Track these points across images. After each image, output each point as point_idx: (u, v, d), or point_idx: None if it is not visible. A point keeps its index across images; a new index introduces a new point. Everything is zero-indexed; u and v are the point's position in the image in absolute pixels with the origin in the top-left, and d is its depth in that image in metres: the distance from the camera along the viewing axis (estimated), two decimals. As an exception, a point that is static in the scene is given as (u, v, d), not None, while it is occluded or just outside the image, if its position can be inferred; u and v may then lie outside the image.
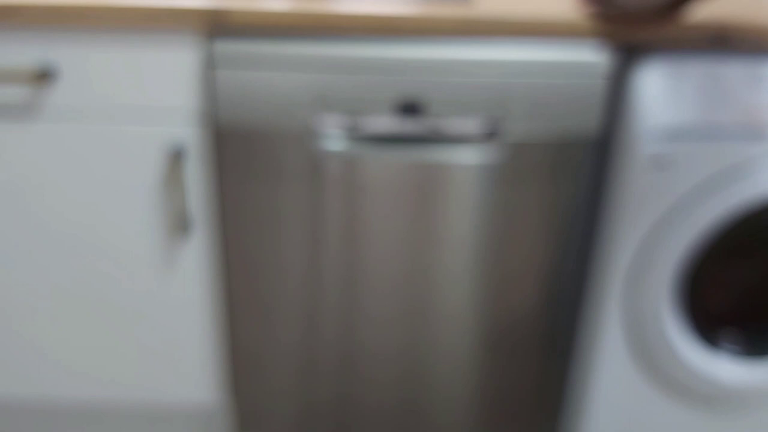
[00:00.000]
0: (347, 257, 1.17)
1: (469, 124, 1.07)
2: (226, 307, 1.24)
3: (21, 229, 1.17)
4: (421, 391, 1.31)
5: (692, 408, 1.29)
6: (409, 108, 1.06)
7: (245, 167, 1.10)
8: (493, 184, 1.12)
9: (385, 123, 1.07)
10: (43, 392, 1.33)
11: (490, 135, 1.08)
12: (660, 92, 1.03)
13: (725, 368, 1.23)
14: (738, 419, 1.31)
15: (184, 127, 1.10)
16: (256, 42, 1.02)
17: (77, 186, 1.14)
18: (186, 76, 1.06)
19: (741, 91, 1.03)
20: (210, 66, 1.04)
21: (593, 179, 1.14)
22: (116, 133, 1.10)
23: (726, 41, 1.01)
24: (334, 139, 1.09)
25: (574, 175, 1.12)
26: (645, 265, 1.14)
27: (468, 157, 1.10)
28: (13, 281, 1.21)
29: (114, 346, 1.28)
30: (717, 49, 1.02)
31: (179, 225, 1.14)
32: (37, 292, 1.23)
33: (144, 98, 1.07)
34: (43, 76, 1.03)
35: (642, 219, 1.11)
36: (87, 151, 1.11)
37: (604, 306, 1.19)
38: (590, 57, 1.04)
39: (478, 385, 1.30)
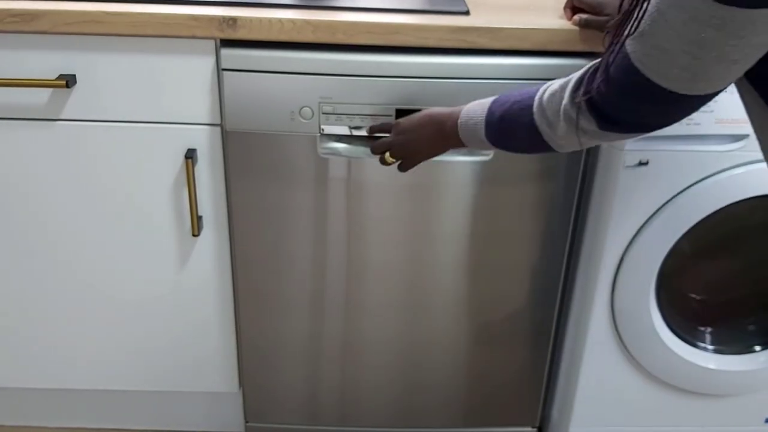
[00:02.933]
0: (349, 252, 1.19)
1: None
2: (236, 301, 1.25)
3: (39, 226, 1.18)
4: (418, 380, 1.33)
5: (677, 395, 1.31)
6: (408, 110, 1.06)
7: (253, 167, 1.12)
8: (486, 182, 1.14)
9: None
10: (63, 382, 1.34)
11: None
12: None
13: (707, 358, 1.26)
14: (720, 405, 1.33)
15: (196, 130, 1.11)
16: (264, 48, 1.04)
17: (94, 185, 1.15)
18: (198, 81, 1.07)
19: (721, 96, 1.06)
20: (220, 71, 1.06)
21: (581, 178, 1.16)
22: (132, 135, 1.11)
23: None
24: (336, 141, 1.11)
25: (562, 173, 1.14)
26: (630, 261, 1.16)
27: (462, 156, 1.12)
28: (33, 277, 1.23)
29: (128, 339, 1.29)
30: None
31: (192, 223, 1.16)
32: (54, 287, 1.24)
33: (158, 102, 1.09)
34: (63, 81, 1.04)
35: (626, 217, 1.14)
36: (104, 152, 1.12)
37: (592, 299, 1.21)
38: (577, 62, 1.05)
39: (471, 374, 1.32)
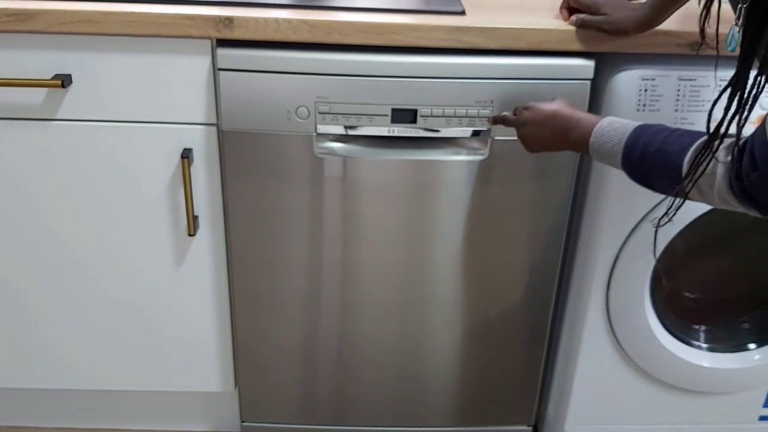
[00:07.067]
0: (345, 252, 1.19)
1: (459, 125, 1.09)
2: (232, 300, 1.25)
3: (34, 227, 1.18)
4: (414, 380, 1.33)
5: (671, 393, 1.31)
6: (403, 110, 1.08)
7: (249, 167, 1.12)
8: (481, 182, 1.14)
9: (379, 124, 1.08)
10: (58, 382, 1.34)
11: (479, 134, 1.10)
12: (638, 96, 1.06)
13: (701, 356, 1.27)
14: (714, 403, 1.34)
15: (192, 129, 1.11)
16: (260, 48, 1.04)
17: (89, 185, 1.15)
18: (194, 80, 1.07)
19: (713, 95, 1.06)
20: (216, 71, 1.06)
21: (576, 177, 1.16)
22: (128, 135, 1.11)
23: (700, 47, 1.04)
24: (332, 141, 1.11)
25: (557, 172, 1.14)
26: (625, 260, 1.16)
27: (458, 155, 1.12)
28: (28, 278, 1.22)
29: (124, 339, 1.29)
30: (692, 56, 1.04)
31: (188, 222, 1.15)
32: (51, 288, 1.23)
33: (154, 101, 1.08)
34: (58, 80, 1.04)
35: (621, 216, 1.14)
36: (100, 152, 1.12)
37: (587, 297, 1.22)
38: (574, 62, 1.06)
39: (466, 372, 1.32)
